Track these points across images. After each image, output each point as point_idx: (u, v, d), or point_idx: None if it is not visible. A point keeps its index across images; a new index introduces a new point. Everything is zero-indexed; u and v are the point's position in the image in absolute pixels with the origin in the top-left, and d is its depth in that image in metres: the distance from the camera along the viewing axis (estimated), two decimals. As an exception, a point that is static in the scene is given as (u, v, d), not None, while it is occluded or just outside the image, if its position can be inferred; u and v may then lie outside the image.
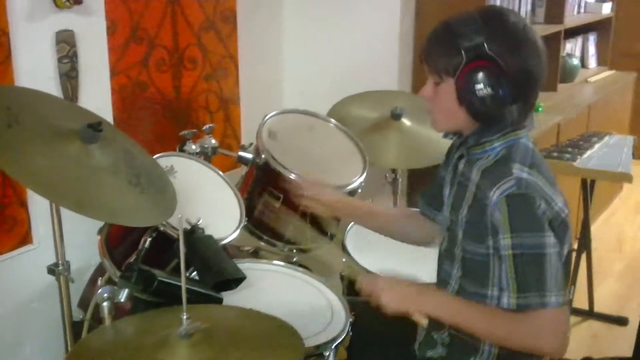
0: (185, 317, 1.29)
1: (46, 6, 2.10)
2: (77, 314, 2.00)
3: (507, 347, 1.53)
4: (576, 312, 3.21)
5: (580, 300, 3.22)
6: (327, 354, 1.69)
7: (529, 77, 1.50)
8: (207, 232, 1.80)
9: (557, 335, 1.44)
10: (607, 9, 4.60)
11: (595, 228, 4.18)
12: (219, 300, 1.65)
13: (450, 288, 1.63)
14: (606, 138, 3.19)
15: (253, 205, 2.20)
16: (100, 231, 1.91)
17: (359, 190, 2.28)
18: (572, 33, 4.29)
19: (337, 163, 2.37)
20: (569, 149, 3.00)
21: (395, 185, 2.73)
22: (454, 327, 1.58)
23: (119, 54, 2.38)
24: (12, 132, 1.48)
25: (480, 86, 1.45)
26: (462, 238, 1.57)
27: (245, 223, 2.06)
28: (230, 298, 1.72)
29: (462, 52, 1.46)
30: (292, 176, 2.13)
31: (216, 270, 1.68)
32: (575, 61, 4.33)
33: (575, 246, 3.10)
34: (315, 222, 2.24)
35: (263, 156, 2.18)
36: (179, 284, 1.41)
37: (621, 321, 3.19)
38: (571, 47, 4.45)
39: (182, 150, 2.22)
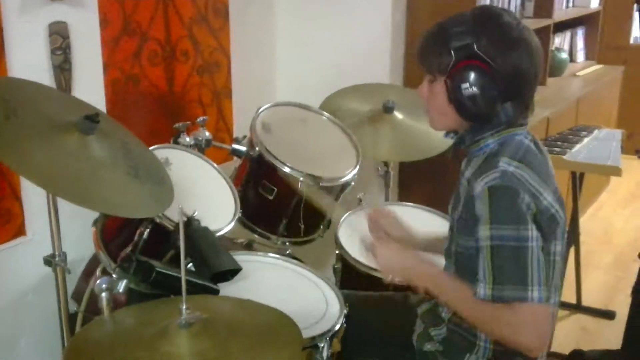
0: (184, 307, 1.30)
1: (39, -3, 2.10)
2: (71, 306, 2.00)
3: (489, 335, 1.55)
4: (564, 305, 3.23)
5: (568, 294, 3.24)
6: (322, 345, 1.70)
7: (520, 76, 1.51)
8: (203, 224, 1.81)
9: (537, 332, 1.42)
10: (595, 3, 4.63)
11: (583, 221, 4.21)
12: (216, 292, 1.67)
13: None
14: (595, 132, 3.20)
15: (247, 198, 2.21)
16: (95, 223, 1.91)
17: (352, 183, 2.30)
18: (560, 27, 4.32)
19: (330, 156, 2.39)
20: (559, 143, 3.02)
21: (387, 177, 2.75)
22: (443, 304, 1.62)
23: (112, 47, 2.37)
24: (10, 124, 1.48)
25: (466, 85, 1.48)
26: (456, 234, 1.59)
27: (239, 215, 2.07)
28: (226, 289, 1.73)
29: (452, 51, 1.49)
30: (286, 169, 2.15)
31: (213, 261, 1.69)
32: (564, 55, 4.35)
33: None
34: (308, 215, 2.25)
35: (257, 149, 2.19)
36: (177, 275, 1.42)
37: (608, 315, 3.22)
38: (560, 41, 4.47)
39: (176, 142, 2.22)
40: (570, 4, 4.50)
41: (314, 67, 3.10)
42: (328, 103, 2.66)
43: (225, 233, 1.97)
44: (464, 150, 1.63)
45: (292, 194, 2.20)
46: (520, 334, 1.41)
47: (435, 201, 2.43)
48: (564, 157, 2.84)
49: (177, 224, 1.71)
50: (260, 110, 2.33)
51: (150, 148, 1.95)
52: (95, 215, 1.92)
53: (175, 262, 1.70)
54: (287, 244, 2.28)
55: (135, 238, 1.77)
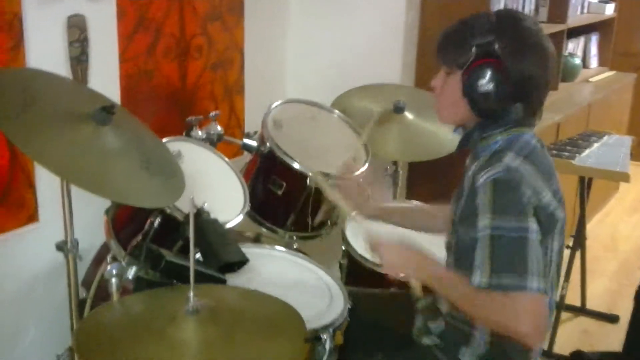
0: (192, 294, 1.33)
1: (58, -10, 2.14)
2: (81, 293, 2.03)
3: (488, 326, 1.57)
4: (568, 308, 3.25)
5: (573, 297, 3.26)
6: (325, 337, 1.73)
7: (531, 80, 1.55)
8: (212, 215, 1.84)
9: (535, 321, 1.43)
10: (610, 9, 4.63)
11: (590, 227, 4.22)
12: (223, 282, 1.70)
13: None
14: (605, 137, 3.22)
15: (256, 192, 2.25)
16: (107, 212, 1.94)
17: (360, 180, 2.32)
18: (574, 33, 4.32)
19: (339, 153, 2.41)
20: (568, 147, 3.03)
21: (395, 177, 2.77)
22: (444, 299, 1.65)
23: (127, 41, 2.41)
24: (28, 113, 1.52)
25: (483, 82, 1.52)
26: (457, 225, 1.62)
27: (248, 209, 2.10)
28: (233, 280, 1.76)
29: (473, 48, 1.53)
30: (296, 165, 2.18)
31: (221, 252, 1.72)
32: (577, 61, 4.36)
33: (570, 243, 3.14)
34: (316, 210, 2.28)
35: (268, 144, 2.22)
36: (185, 263, 1.46)
37: (612, 318, 3.23)
38: (573, 47, 4.47)
39: (188, 136, 2.25)
40: (585, 10, 4.50)
41: (326, 65, 3.13)
42: (339, 102, 2.68)
43: (234, 226, 2.00)
44: (471, 147, 1.66)
45: (300, 190, 2.23)
46: (518, 323, 1.43)
47: (443, 201, 2.45)
48: (573, 161, 2.85)
49: (187, 215, 1.75)
50: (272, 106, 2.36)
51: (163, 140, 1.99)
52: (106, 204, 1.95)
53: (184, 252, 1.73)
54: (295, 238, 2.31)
55: (146, 227, 1.81)
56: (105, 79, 2.33)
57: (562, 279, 2.98)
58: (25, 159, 2.15)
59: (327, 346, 1.74)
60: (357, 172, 2.27)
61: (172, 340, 1.29)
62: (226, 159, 2.21)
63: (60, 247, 1.88)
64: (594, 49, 4.78)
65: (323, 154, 2.35)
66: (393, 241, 1.65)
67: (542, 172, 1.54)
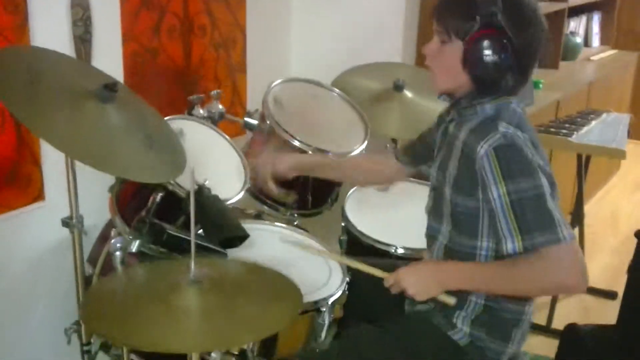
0: (193, 264, 1.39)
1: (62, -30, 2.17)
2: (87, 269, 2.08)
3: (536, 294, 1.62)
4: (568, 285, 3.29)
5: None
6: (324, 310, 1.79)
7: (531, 52, 1.59)
8: (213, 192, 1.89)
9: (578, 268, 1.48)
10: (612, -13, 4.63)
11: (591, 205, 4.25)
12: (224, 256, 1.74)
13: (438, 243, 1.73)
14: (604, 115, 3.23)
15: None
16: (111, 189, 1.99)
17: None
18: (576, 12, 4.32)
19: (339, 131, 2.45)
20: (566, 125, 3.05)
21: (395, 154, 2.80)
22: (480, 292, 1.65)
23: (131, 20, 2.44)
24: (33, 89, 1.56)
25: (487, 53, 1.54)
26: (450, 194, 1.65)
27: (250, 187, 2.14)
28: (233, 254, 1.81)
29: (477, 17, 1.54)
30: (296, 143, 2.21)
31: (222, 227, 1.77)
32: (578, 39, 4.36)
33: (569, 221, 3.18)
34: (317, 188, 2.32)
35: (268, 122, 2.26)
36: (187, 237, 1.50)
37: (611, 295, 3.27)
38: (575, 26, 4.48)
39: (190, 114, 2.29)
40: (587, -11, 4.50)
41: (327, 44, 3.15)
42: (340, 80, 2.71)
43: (235, 203, 2.04)
44: (456, 115, 1.68)
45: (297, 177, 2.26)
46: (564, 274, 1.48)
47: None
48: (570, 139, 2.87)
49: (189, 192, 1.80)
50: (273, 85, 2.39)
51: (165, 118, 2.02)
52: (109, 183, 2.00)
53: (186, 227, 1.78)
54: (296, 215, 2.35)
55: (149, 204, 1.86)
56: (109, 57, 2.36)
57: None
58: (31, 138, 2.20)
59: (326, 318, 1.79)
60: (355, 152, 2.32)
61: (174, 308, 1.35)
62: (227, 137, 2.24)
63: (66, 222, 1.92)
64: (596, 28, 4.78)
65: (323, 131, 2.38)
66: (406, 269, 1.68)
67: (532, 139, 1.58)
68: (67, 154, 1.68)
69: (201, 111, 2.31)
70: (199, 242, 1.68)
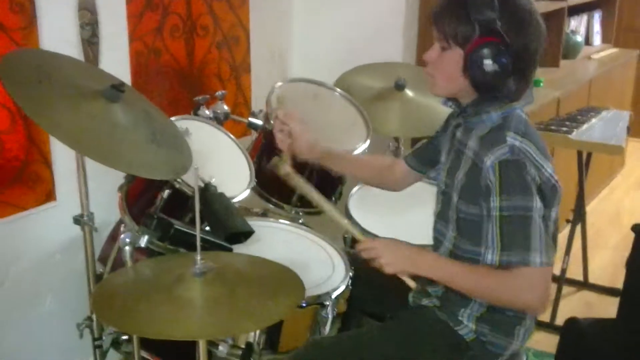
0: (199, 257, 1.43)
1: (69, -26, 2.21)
2: (98, 268, 2.12)
3: (494, 304, 1.66)
4: (571, 282, 3.31)
5: (575, 271, 3.32)
6: (327, 303, 1.82)
7: (530, 56, 1.60)
8: (219, 190, 1.93)
9: (538, 292, 1.54)
10: (612, -14, 4.66)
11: (596, 202, 4.27)
12: (229, 250, 1.79)
13: (443, 247, 1.75)
14: (603, 112, 3.25)
15: (262, 169, 2.32)
16: (120, 189, 2.03)
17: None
18: (577, 10, 4.34)
19: (342, 130, 2.48)
20: (567, 123, 3.07)
21: (397, 153, 2.82)
22: (448, 286, 1.69)
23: (136, 21, 2.48)
24: (43, 88, 1.61)
25: (487, 61, 1.55)
26: (457, 200, 1.67)
27: (255, 185, 2.18)
28: (239, 250, 1.85)
29: (475, 24, 1.55)
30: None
31: (228, 223, 1.81)
32: (579, 38, 4.37)
33: (571, 217, 3.20)
34: (321, 185, 2.36)
35: (272, 122, 2.30)
36: (193, 232, 1.55)
37: (613, 292, 3.27)
38: (576, 25, 4.49)
39: (196, 115, 2.33)
40: (588, -13, 4.52)
41: (329, 44, 3.19)
42: (342, 80, 2.74)
43: (241, 201, 2.08)
44: (462, 121, 1.71)
45: (304, 166, 2.30)
46: (524, 295, 1.55)
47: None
48: (570, 136, 2.89)
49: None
50: (276, 86, 2.43)
51: (172, 119, 2.07)
52: (118, 183, 2.04)
53: (193, 224, 1.82)
54: (300, 213, 2.38)
55: (157, 201, 1.90)
56: (116, 59, 2.41)
57: (562, 251, 3.05)
58: (41, 139, 2.24)
59: (330, 312, 1.83)
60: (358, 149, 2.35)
61: (179, 299, 1.40)
62: (232, 136, 2.28)
63: (78, 220, 1.97)
64: (597, 26, 4.80)
65: (326, 130, 2.42)
66: (385, 240, 1.71)
67: (539, 146, 1.60)
68: (75, 149, 1.72)
69: (207, 112, 2.35)
70: (205, 237, 1.72)
